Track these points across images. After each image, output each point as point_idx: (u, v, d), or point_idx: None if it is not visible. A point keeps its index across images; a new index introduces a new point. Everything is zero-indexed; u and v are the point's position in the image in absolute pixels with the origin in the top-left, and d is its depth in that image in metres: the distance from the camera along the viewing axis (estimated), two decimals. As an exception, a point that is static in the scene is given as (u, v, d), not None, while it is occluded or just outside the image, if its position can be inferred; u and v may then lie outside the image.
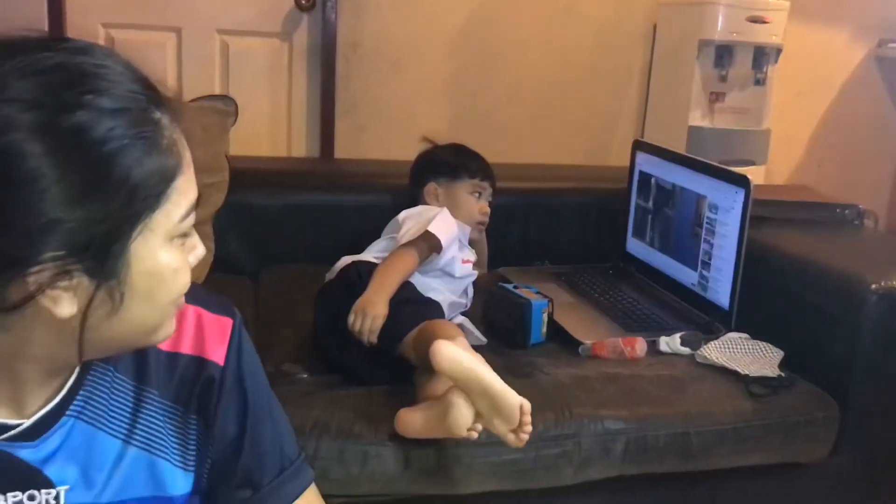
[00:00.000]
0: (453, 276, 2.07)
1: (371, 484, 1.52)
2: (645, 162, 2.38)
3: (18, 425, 0.80)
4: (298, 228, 2.38)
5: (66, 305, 0.70)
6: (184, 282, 0.77)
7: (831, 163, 3.40)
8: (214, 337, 0.89)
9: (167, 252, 0.73)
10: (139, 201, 0.70)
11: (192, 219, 0.76)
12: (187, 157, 0.75)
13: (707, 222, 2.08)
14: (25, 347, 0.74)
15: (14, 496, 0.81)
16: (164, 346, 0.87)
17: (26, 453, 0.80)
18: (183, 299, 0.79)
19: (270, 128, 2.83)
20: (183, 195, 0.74)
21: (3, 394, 0.79)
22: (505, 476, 1.58)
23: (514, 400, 1.39)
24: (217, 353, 0.89)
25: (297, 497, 0.94)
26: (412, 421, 1.52)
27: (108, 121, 0.68)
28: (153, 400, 0.86)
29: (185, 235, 0.76)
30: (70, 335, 0.72)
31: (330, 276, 2.01)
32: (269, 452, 0.93)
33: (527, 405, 1.38)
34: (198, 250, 0.79)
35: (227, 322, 0.91)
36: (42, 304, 0.69)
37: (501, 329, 1.98)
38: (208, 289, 0.94)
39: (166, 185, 0.72)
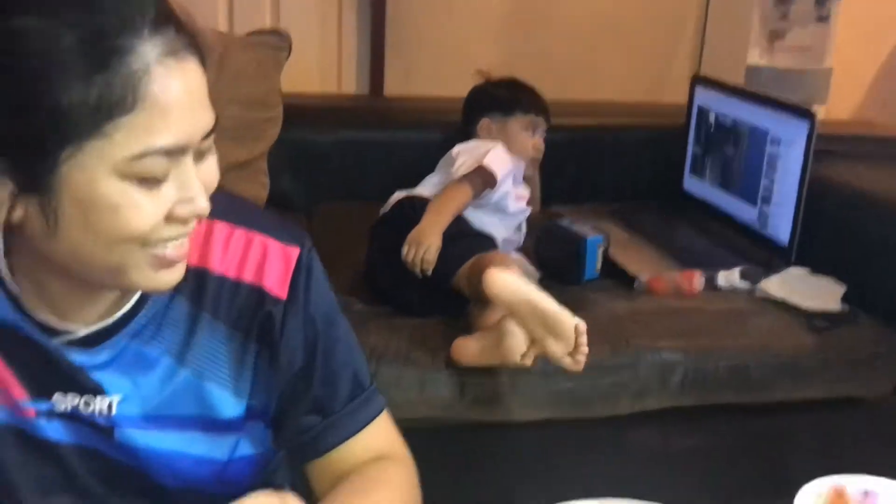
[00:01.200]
0: (507, 212, 2.06)
1: (429, 409, 1.53)
2: (704, 97, 2.33)
3: (73, 332, 0.81)
4: (352, 165, 2.37)
5: None
6: (135, 224, 0.71)
7: (896, 103, 3.29)
8: (278, 268, 0.87)
9: (112, 186, 0.69)
10: (67, 124, 0.67)
11: (158, 163, 0.70)
12: (166, 98, 0.69)
13: (769, 157, 2.03)
14: (22, 252, 0.78)
15: (73, 397, 0.82)
16: (228, 273, 0.86)
17: (80, 358, 0.82)
18: (167, 248, 0.75)
19: (320, 64, 2.81)
20: (135, 135, 0.68)
21: (46, 303, 0.80)
22: (561, 404, 1.58)
23: (569, 321, 1.38)
24: (280, 287, 0.86)
25: (368, 423, 0.93)
26: (468, 349, 1.52)
27: (56, 33, 0.66)
28: (209, 324, 0.85)
29: (154, 179, 0.71)
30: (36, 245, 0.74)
31: (384, 210, 2.01)
32: (340, 380, 0.92)
33: (582, 325, 1.37)
34: (196, 204, 0.74)
35: (293, 252, 0.88)
36: None
37: (555, 265, 1.96)
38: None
39: (104, 118, 0.67)
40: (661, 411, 1.64)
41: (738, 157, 2.18)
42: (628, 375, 1.59)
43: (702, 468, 1.61)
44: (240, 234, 0.87)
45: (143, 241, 0.73)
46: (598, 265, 1.95)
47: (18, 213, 0.71)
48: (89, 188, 0.69)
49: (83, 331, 0.81)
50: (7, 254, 0.80)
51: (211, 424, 0.87)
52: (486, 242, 1.85)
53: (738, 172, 2.18)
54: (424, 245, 1.74)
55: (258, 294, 0.86)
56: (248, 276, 0.86)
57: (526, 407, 1.56)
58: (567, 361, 1.40)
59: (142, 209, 0.71)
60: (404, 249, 1.76)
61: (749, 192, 2.11)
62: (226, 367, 0.87)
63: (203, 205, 0.74)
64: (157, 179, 0.71)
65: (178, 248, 0.76)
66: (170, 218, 0.73)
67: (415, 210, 1.88)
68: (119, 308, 0.82)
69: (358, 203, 2.25)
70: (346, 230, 2.14)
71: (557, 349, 1.40)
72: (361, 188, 2.32)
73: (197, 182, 0.74)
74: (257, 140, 2.17)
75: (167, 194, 0.72)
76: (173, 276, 0.78)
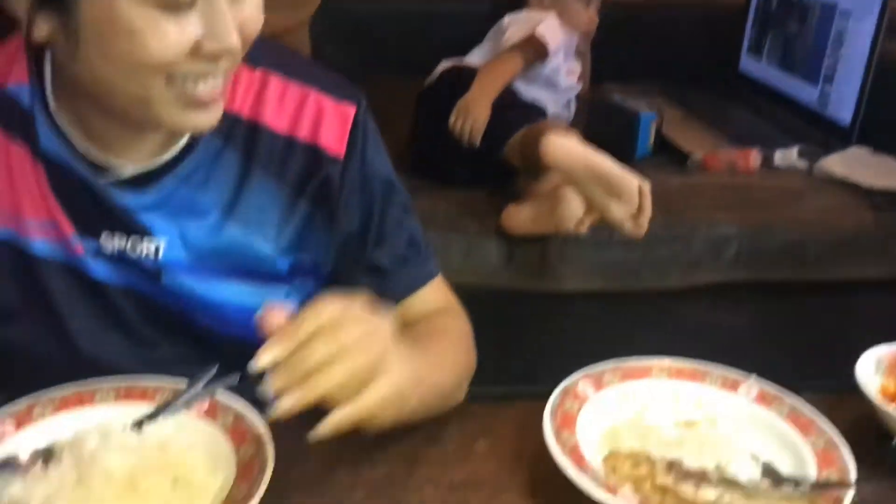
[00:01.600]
0: (557, 87, 2.00)
1: (475, 275, 1.51)
2: (767, -30, 2.22)
3: (120, 170, 0.79)
4: (395, 37, 2.32)
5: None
6: (153, 50, 0.68)
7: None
8: (334, 126, 0.84)
9: (131, 9, 0.67)
10: None
11: None
12: None
13: (835, 32, 1.94)
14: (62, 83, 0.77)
15: (120, 238, 0.81)
16: (281, 129, 0.83)
17: (127, 199, 0.80)
18: (197, 86, 0.71)
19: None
20: None
21: (91, 138, 0.78)
22: (610, 275, 1.56)
23: (632, 181, 1.34)
24: (337, 145, 0.83)
25: (424, 283, 0.91)
26: (519, 216, 1.50)
27: None
28: (259, 179, 0.83)
29: (176, 5, 0.68)
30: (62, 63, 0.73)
31: (430, 79, 1.95)
32: (396, 241, 0.90)
33: (646, 186, 1.33)
34: (224, 40, 0.70)
35: (350, 110, 0.84)
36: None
37: (607, 141, 1.88)
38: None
39: None
40: (713, 286, 1.60)
41: (801, 33, 2.08)
42: (681, 247, 1.56)
43: (753, 342, 1.58)
44: (294, 88, 0.84)
45: (168, 74, 0.70)
46: (651, 142, 1.90)
47: (43, 31, 0.69)
48: (108, 9, 0.67)
49: (130, 169, 0.79)
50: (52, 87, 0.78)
51: (257, 276, 0.86)
52: (537, 113, 1.80)
53: (801, 50, 2.09)
54: (473, 114, 1.69)
55: (314, 153, 0.83)
56: (303, 134, 0.83)
57: (575, 276, 1.54)
58: (629, 226, 1.36)
59: (162, 36, 0.68)
60: (452, 118, 1.71)
61: (811, 71, 2.02)
62: (273, 221, 0.85)
63: (233, 42, 0.70)
64: (179, 6, 0.67)
65: (210, 89, 0.72)
66: (196, 52, 0.69)
67: (462, 79, 1.82)
68: (167, 150, 0.80)
69: (402, 76, 2.19)
70: (390, 103, 2.07)
71: (620, 212, 1.35)
72: (406, 61, 2.25)
73: (227, 16, 0.69)
74: (298, 7, 2.10)
75: (193, 25, 0.68)
76: (205, 117, 0.74)
